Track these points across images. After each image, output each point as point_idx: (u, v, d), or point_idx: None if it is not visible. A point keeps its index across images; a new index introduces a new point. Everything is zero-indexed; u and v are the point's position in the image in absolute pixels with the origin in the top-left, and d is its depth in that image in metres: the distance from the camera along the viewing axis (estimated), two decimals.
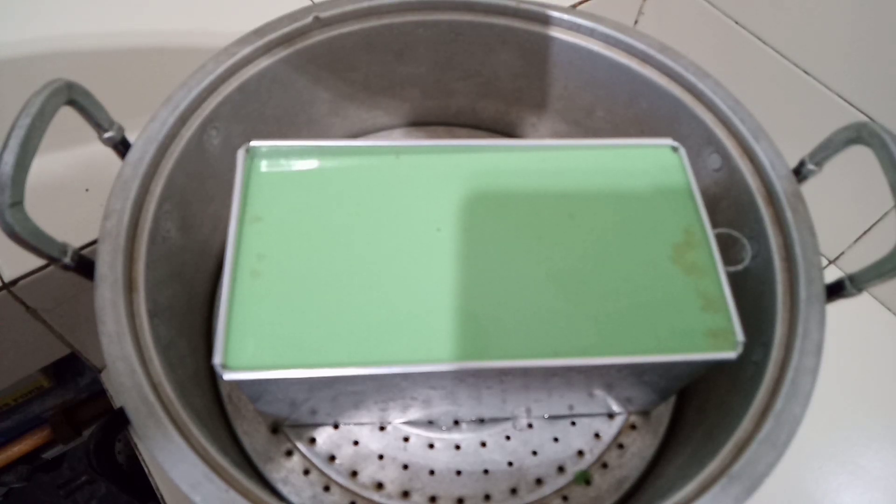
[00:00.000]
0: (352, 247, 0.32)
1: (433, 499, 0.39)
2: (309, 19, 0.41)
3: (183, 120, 0.36)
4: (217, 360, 0.28)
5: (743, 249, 0.37)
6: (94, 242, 0.40)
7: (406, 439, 0.41)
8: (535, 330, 0.31)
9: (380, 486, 0.39)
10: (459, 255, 0.32)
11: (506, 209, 0.34)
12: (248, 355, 0.29)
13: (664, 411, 0.42)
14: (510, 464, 0.40)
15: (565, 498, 0.39)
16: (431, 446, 0.41)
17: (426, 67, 0.46)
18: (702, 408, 0.39)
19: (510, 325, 0.31)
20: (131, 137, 0.34)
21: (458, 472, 0.40)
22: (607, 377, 0.34)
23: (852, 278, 0.32)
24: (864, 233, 0.53)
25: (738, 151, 0.38)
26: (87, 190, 0.45)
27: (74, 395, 0.66)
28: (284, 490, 0.39)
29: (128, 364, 0.29)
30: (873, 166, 0.31)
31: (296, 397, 0.34)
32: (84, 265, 0.31)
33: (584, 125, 0.48)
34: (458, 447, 0.41)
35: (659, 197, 0.35)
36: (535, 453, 0.41)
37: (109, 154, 0.34)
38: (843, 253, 0.56)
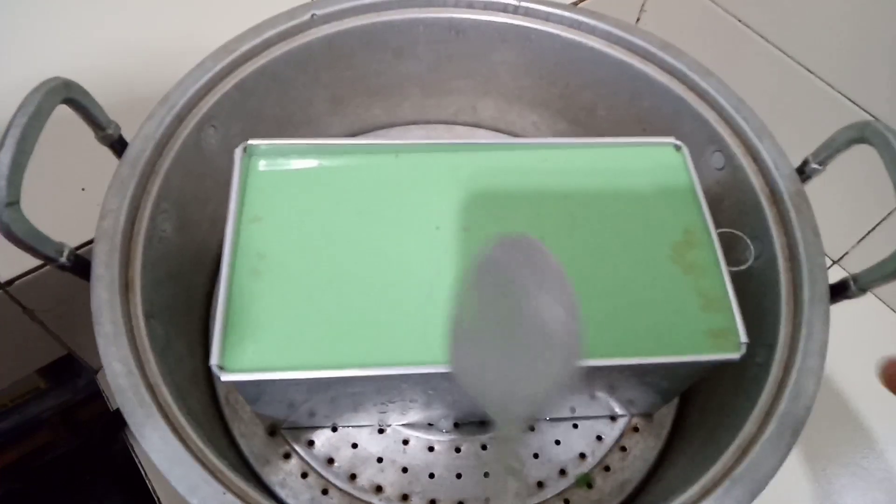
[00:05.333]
0: (351, 246, 0.32)
1: (433, 502, 0.39)
2: (307, 16, 0.40)
3: (180, 118, 0.36)
4: (214, 361, 0.28)
5: (746, 249, 0.36)
6: (90, 242, 0.40)
7: (406, 442, 0.41)
8: None
9: (379, 489, 0.39)
10: (459, 255, 0.32)
11: (506, 208, 0.34)
12: (245, 356, 0.28)
13: (667, 413, 0.42)
14: None
15: (567, 501, 0.39)
16: (431, 449, 0.40)
17: (426, 65, 0.46)
18: (705, 410, 0.39)
19: None
20: (128, 136, 0.34)
21: (459, 475, 0.40)
22: (609, 378, 0.34)
23: (856, 279, 0.32)
24: (868, 233, 0.53)
25: (742, 150, 0.38)
26: (83, 189, 0.44)
27: (72, 397, 0.66)
28: (282, 493, 0.38)
29: (124, 365, 0.29)
30: (877, 166, 0.31)
31: (294, 399, 0.34)
32: (80, 265, 0.30)
33: (586, 124, 0.48)
34: (458, 450, 0.41)
35: (661, 196, 0.35)
36: (536, 456, 0.40)
37: (106, 153, 0.34)
38: (846, 253, 0.56)
